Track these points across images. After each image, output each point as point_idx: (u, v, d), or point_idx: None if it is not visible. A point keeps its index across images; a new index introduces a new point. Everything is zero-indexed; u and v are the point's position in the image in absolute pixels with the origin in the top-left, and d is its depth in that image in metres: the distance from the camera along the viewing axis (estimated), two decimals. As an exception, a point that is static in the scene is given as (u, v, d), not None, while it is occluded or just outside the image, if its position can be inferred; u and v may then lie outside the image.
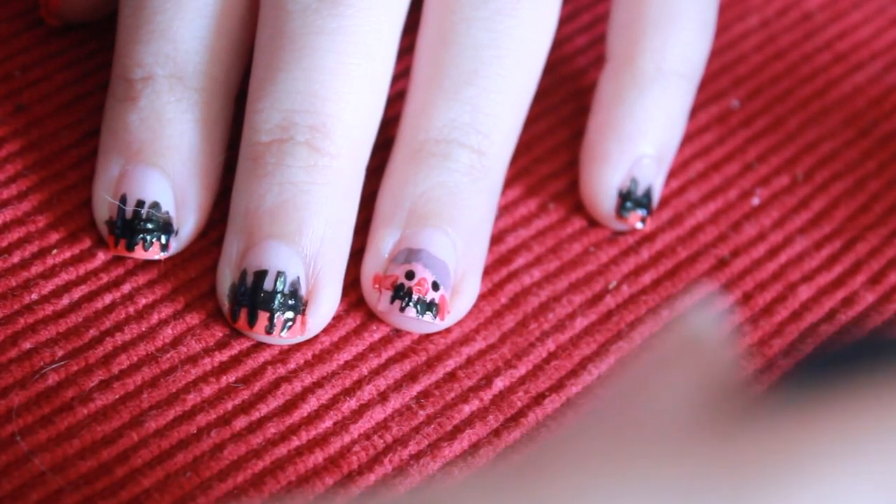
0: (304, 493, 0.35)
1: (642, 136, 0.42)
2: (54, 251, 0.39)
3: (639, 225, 0.42)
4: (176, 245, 0.39)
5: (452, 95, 0.40)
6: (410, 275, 0.38)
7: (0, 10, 0.44)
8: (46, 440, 0.35)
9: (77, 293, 0.38)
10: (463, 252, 0.39)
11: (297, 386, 0.37)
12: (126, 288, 0.38)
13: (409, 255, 0.38)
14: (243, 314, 0.37)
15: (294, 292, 0.37)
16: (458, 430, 0.37)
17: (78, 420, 0.35)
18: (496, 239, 0.42)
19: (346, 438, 0.36)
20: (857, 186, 0.45)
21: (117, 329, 0.37)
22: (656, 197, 0.42)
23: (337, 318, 0.39)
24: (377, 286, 0.39)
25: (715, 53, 0.48)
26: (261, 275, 0.37)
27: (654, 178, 0.42)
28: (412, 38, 0.42)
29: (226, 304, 0.38)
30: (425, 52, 0.40)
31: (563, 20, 0.48)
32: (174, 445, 0.35)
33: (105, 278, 0.39)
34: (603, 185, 0.42)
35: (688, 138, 0.45)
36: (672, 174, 0.44)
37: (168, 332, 0.38)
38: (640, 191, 0.42)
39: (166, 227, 0.39)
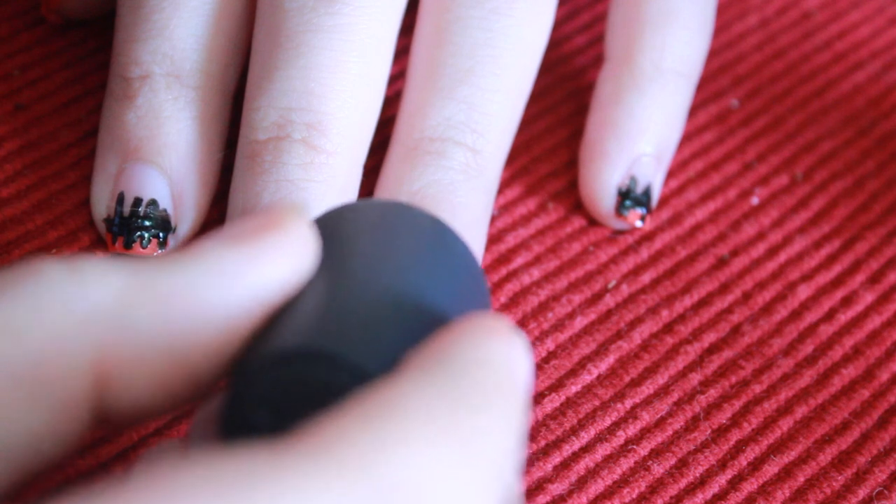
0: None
1: (641, 134, 0.42)
2: (53, 250, 0.39)
3: (638, 223, 0.42)
4: (174, 242, 0.39)
5: (448, 94, 0.40)
6: (406, 270, 0.38)
7: (0, 9, 0.44)
8: (45, 438, 0.35)
9: (76, 292, 0.38)
10: (459, 249, 0.39)
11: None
12: (125, 286, 0.38)
13: None
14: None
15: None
16: (456, 429, 0.37)
17: (76, 418, 0.35)
18: (495, 238, 0.42)
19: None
20: (857, 186, 0.45)
21: (116, 327, 0.37)
22: (655, 195, 0.42)
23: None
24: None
25: (714, 53, 0.48)
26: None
27: (653, 177, 0.42)
28: (409, 40, 0.42)
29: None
30: (421, 50, 0.40)
31: (562, 20, 0.48)
32: (173, 444, 0.36)
33: (104, 277, 0.39)
34: (602, 183, 0.42)
35: (687, 138, 0.45)
36: (671, 174, 0.44)
37: (166, 331, 0.38)
38: (639, 189, 0.42)
39: (164, 224, 0.39)
